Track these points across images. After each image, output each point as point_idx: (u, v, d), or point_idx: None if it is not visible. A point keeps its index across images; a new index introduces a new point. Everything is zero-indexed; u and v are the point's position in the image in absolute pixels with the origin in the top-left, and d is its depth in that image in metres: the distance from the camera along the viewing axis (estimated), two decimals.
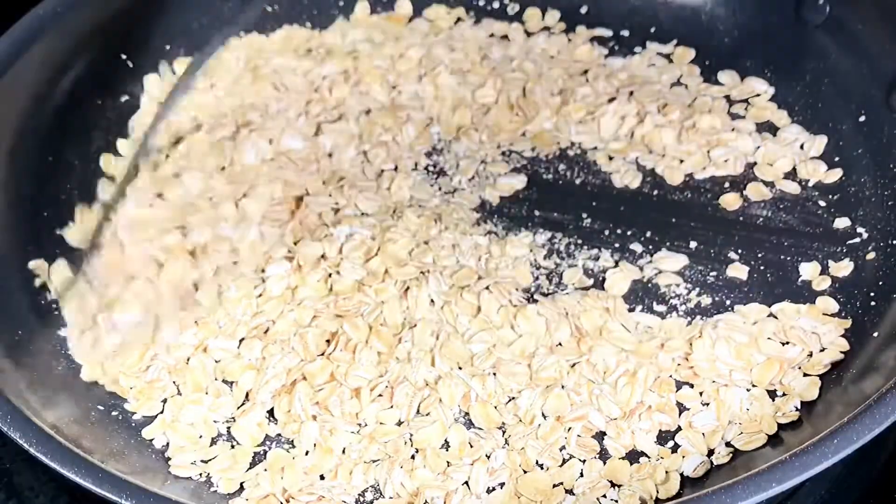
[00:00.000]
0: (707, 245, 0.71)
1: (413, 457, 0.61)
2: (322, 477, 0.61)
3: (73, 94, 0.75)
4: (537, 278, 0.70)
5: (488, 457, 0.61)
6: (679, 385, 0.63)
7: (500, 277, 0.69)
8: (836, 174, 0.74)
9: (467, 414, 0.63)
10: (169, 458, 0.61)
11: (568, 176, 0.76)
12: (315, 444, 0.62)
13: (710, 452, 0.61)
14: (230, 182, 0.72)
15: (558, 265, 0.70)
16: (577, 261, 0.71)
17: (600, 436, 0.62)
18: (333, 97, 0.79)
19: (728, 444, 0.61)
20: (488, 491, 0.60)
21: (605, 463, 0.60)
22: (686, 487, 0.59)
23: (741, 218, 0.73)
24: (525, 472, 0.60)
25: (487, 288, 0.67)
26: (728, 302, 0.68)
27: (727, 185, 0.75)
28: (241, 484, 0.61)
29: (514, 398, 0.63)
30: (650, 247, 0.71)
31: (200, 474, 0.61)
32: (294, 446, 0.62)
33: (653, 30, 0.84)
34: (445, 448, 0.62)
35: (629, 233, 0.72)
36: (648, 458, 0.61)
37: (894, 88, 0.73)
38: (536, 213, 0.73)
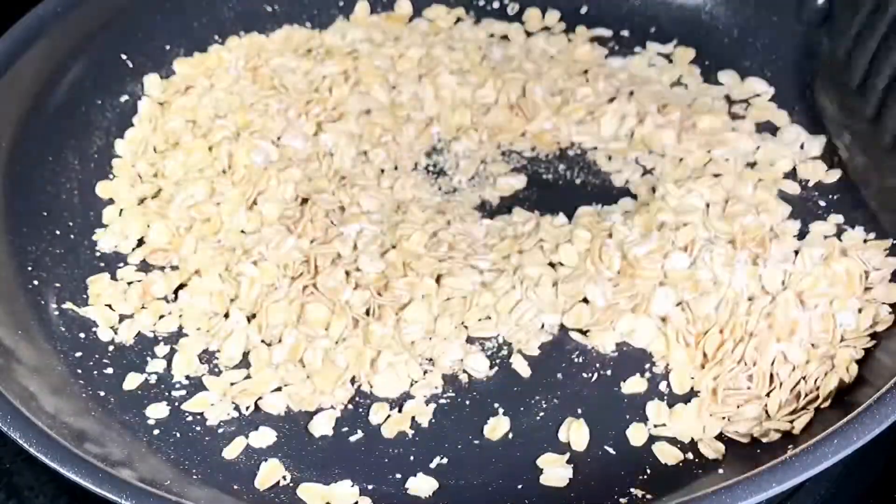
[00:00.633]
0: None
1: None
2: None
3: (73, 94, 0.76)
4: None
5: None
6: None
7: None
8: (836, 174, 0.74)
9: None
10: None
11: (568, 176, 0.76)
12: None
13: None
14: (236, 185, 0.73)
15: None
16: None
17: None
18: (333, 97, 0.79)
19: None
20: None
21: None
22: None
23: None
24: None
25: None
26: None
27: None
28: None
29: None
30: None
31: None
32: None
33: (653, 30, 0.84)
34: None
35: None
36: None
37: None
38: (536, 213, 0.73)
